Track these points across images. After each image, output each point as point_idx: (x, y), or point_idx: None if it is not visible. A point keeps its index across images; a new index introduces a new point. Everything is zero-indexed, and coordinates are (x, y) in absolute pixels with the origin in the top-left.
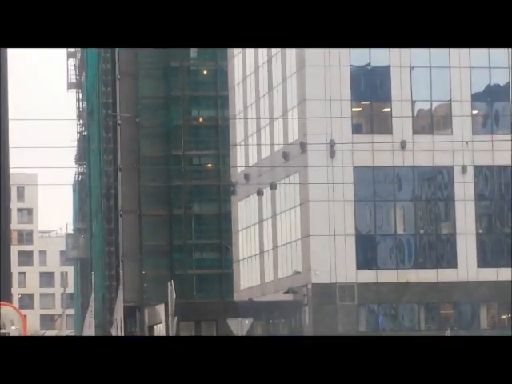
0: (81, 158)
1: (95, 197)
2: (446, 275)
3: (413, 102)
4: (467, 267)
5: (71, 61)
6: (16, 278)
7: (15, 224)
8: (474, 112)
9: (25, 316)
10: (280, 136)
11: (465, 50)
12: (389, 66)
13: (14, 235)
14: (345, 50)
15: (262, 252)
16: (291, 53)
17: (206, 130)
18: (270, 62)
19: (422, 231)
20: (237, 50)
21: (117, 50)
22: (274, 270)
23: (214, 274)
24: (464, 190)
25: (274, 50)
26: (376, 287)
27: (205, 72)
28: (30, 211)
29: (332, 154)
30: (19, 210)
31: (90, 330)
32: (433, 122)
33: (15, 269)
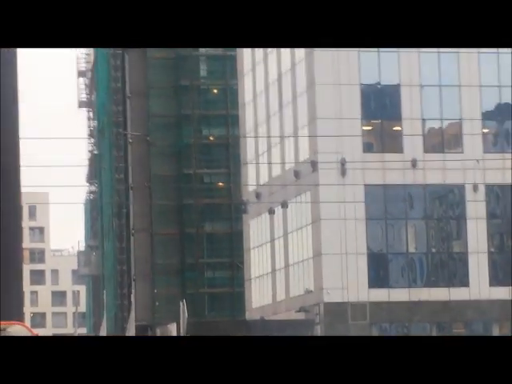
0: (92, 176)
1: (107, 215)
2: (458, 294)
3: (423, 121)
4: (479, 286)
5: (81, 80)
6: (28, 296)
7: (27, 243)
8: (485, 130)
9: (37, 335)
10: (291, 154)
11: (475, 68)
12: (399, 85)
13: (26, 254)
14: (355, 69)
15: (273, 271)
16: (301, 71)
17: (216, 149)
18: (280, 80)
19: (433, 250)
20: (246, 68)
21: (127, 69)
22: (286, 289)
23: (225, 292)
24: (475, 209)
25: (284, 68)
26: (388, 306)
27: (215, 91)
28: (41, 230)
29: (343, 173)
30: (31, 228)
31: None
32: (444, 140)
33: (27, 288)
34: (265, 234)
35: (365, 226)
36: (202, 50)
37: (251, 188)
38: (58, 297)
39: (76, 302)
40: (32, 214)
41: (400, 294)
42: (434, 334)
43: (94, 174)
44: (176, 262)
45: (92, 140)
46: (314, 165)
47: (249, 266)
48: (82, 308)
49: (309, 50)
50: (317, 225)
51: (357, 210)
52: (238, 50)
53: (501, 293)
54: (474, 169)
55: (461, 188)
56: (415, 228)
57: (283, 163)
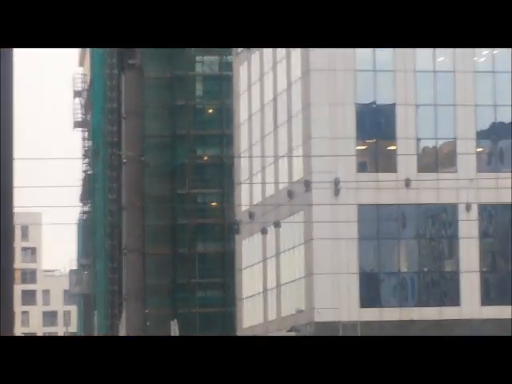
0: (85, 196)
1: (99, 235)
2: (449, 313)
3: (418, 140)
4: (471, 305)
5: (77, 100)
6: (19, 317)
7: (19, 263)
8: (479, 150)
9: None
10: (285, 174)
11: (470, 88)
12: (394, 104)
13: (18, 274)
14: (350, 88)
15: (265, 290)
16: (297, 91)
17: (210, 169)
18: (275, 100)
19: (425, 269)
20: (242, 88)
21: (123, 89)
22: (278, 309)
23: (217, 312)
24: (468, 228)
25: (279, 88)
26: (379, 325)
27: (210, 110)
28: (33, 250)
29: (336, 193)
30: (23, 248)
31: None
32: (438, 159)
33: (18, 308)
34: (257, 254)
35: (357, 245)
36: (199, 70)
37: (244, 208)
38: (49, 317)
39: (67, 323)
40: (24, 234)
41: (391, 314)
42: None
43: (88, 194)
44: (168, 282)
45: (86, 160)
46: (307, 184)
47: (240, 285)
48: (73, 328)
49: (305, 69)
50: (309, 244)
51: (349, 230)
52: (235, 70)
53: (492, 312)
54: (467, 188)
55: (454, 207)
56: (407, 247)
57: (277, 183)
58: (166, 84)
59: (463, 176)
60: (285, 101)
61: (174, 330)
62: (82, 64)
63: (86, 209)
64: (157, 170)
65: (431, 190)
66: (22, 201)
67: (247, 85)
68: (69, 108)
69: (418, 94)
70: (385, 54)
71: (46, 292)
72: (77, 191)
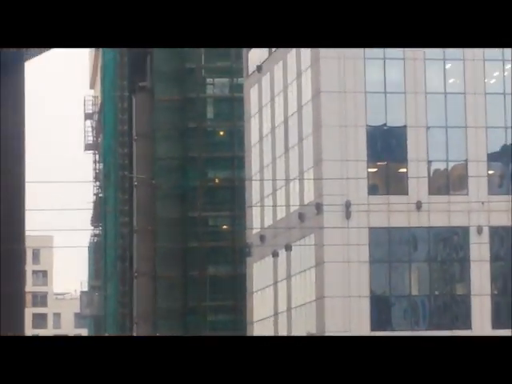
0: (97, 219)
1: (110, 258)
2: None
3: (429, 163)
4: (482, 328)
5: (88, 122)
6: None
7: (30, 286)
8: (490, 172)
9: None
10: (296, 197)
11: (481, 110)
12: (405, 126)
13: (29, 297)
14: (361, 110)
15: (276, 313)
16: (308, 113)
17: (222, 192)
18: (286, 122)
19: (436, 292)
20: (253, 111)
21: (134, 111)
22: (288, 332)
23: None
24: (479, 251)
25: (290, 110)
26: None
27: (221, 133)
28: (44, 273)
29: (348, 215)
30: (34, 272)
31: None
32: (449, 182)
33: (29, 331)
34: (268, 277)
35: (368, 268)
36: (210, 92)
37: (255, 231)
38: None
39: None
40: (36, 257)
41: None
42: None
43: (99, 217)
44: (178, 306)
45: (97, 183)
46: (318, 207)
47: (252, 308)
48: None
49: (315, 91)
50: (320, 267)
51: (361, 253)
52: (246, 92)
53: (504, 335)
54: (478, 211)
55: (465, 230)
56: (419, 270)
57: (288, 206)
58: (176, 106)
59: (474, 198)
60: (296, 123)
61: None
62: (92, 86)
63: (97, 232)
64: (168, 193)
65: (442, 213)
66: (34, 224)
67: (258, 107)
68: (80, 130)
69: (429, 116)
70: (395, 76)
71: (57, 315)
72: (88, 214)
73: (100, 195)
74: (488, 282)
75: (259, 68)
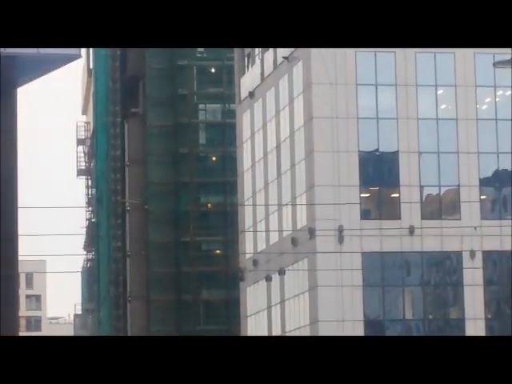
0: (89, 244)
1: (103, 283)
2: None
3: (421, 188)
4: None
5: (81, 148)
6: None
7: (24, 311)
8: (483, 197)
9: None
10: (288, 222)
11: (472, 135)
12: (397, 152)
13: (22, 322)
14: (354, 136)
15: None
16: (300, 138)
17: (214, 216)
18: (278, 148)
19: (430, 316)
20: (245, 136)
21: (126, 137)
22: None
23: None
24: (472, 275)
25: (282, 136)
26: None
27: (213, 158)
28: (38, 298)
29: (340, 240)
30: (28, 296)
31: None
32: (441, 207)
33: None
34: (262, 302)
35: (362, 292)
36: (202, 118)
37: (248, 255)
38: None
39: None
40: (29, 281)
41: None
42: None
43: (92, 242)
44: (172, 330)
45: (90, 208)
46: (311, 232)
47: (245, 332)
48: None
49: (308, 117)
50: (314, 292)
51: (354, 277)
52: (238, 117)
53: None
54: (471, 235)
55: (458, 255)
56: (412, 294)
57: (281, 231)
58: (169, 132)
59: (467, 223)
60: (288, 148)
61: None
62: (85, 112)
63: (90, 256)
64: (161, 218)
65: (435, 238)
66: (27, 249)
67: (250, 132)
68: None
69: (421, 142)
70: (387, 102)
71: None
72: (81, 239)
73: (93, 220)
74: (482, 307)
75: (251, 94)
